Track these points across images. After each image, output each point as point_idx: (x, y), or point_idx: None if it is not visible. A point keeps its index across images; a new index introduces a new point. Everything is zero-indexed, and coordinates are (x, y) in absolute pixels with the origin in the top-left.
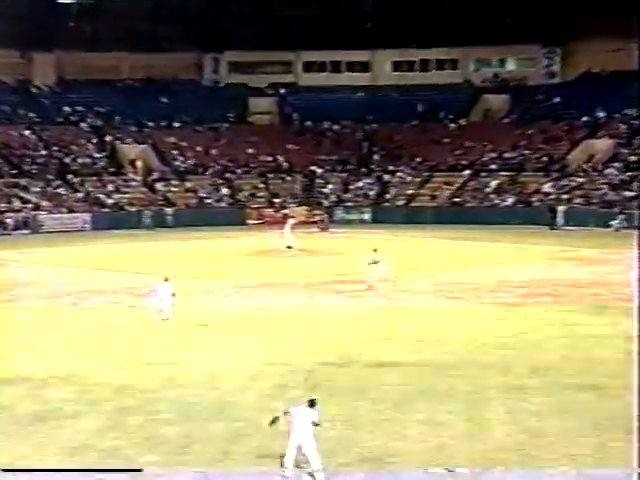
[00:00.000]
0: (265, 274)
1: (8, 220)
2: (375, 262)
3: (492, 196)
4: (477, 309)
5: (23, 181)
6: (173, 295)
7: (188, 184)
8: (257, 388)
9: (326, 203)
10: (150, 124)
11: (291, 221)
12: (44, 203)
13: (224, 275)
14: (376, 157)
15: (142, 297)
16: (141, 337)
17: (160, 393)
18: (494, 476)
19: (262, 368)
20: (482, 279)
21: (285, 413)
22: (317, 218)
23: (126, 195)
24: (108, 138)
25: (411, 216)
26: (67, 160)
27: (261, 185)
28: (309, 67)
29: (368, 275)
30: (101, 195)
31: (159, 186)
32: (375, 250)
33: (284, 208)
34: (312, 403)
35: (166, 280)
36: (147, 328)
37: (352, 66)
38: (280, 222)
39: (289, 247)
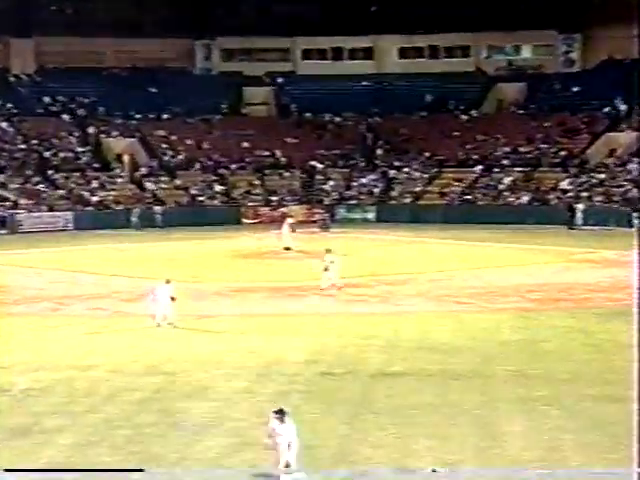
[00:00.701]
0: (260, 277)
1: None
2: (328, 265)
3: (506, 194)
4: (489, 315)
5: (0, 177)
6: (173, 299)
7: (178, 181)
8: (252, 400)
9: (327, 201)
10: (137, 116)
11: (289, 220)
12: (23, 201)
13: (215, 279)
14: (381, 151)
15: (129, 302)
16: (127, 345)
17: (148, 404)
18: (483, 473)
19: (256, 379)
20: (494, 283)
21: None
22: (317, 217)
23: (111, 192)
24: (92, 131)
25: (418, 215)
26: (47, 155)
27: (257, 182)
28: (308, 54)
29: (323, 278)
30: (84, 192)
31: (147, 183)
32: (329, 251)
33: (282, 206)
34: (281, 414)
35: (168, 282)
36: (134, 335)
37: (355, 53)
38: (277, 221)
39: (287, 249)
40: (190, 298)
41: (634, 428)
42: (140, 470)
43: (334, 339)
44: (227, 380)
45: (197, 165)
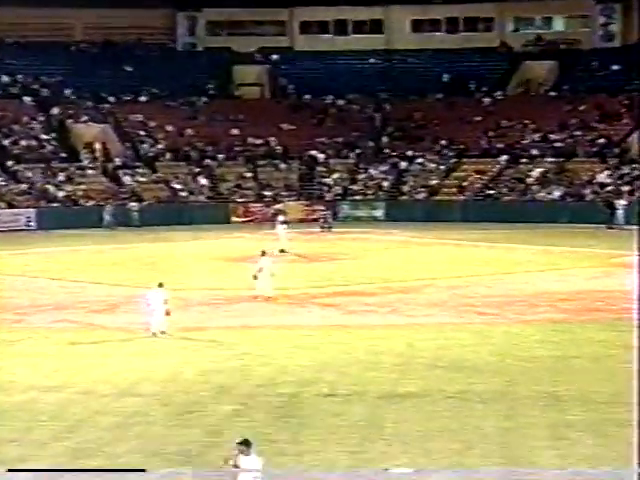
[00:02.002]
0: (252, 284)
1: None
2: (260, 270)
3: (534, 188)
4: (515, 328)
5: None
6: (166, 304)
7: (158, 173)
8: (242, 426)
9: (329, 197)
10: (110, 98)
11: (280, 218)
12: None
13: (200, 286)
14: (391, 139)
15: (101, 313)
16: (99, 363)
17: (123, 431)
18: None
19: (246, 401)
20: (521, 291)
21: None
22: (318, 215)
23: (81, 187)
24: (58, 115)
25: (434, 213)
26: (6, 143)
27: (248, 174)
28: (307, 28)
29: (258, 282)
30: (50, 186)
31: (122, 175)
32: (263, 253)
33: (277, 203)
34: (246, 445)
35: (160, 286)
36: (107, 351)
37: (361, 26)
38: (271, 220)
39: (282, 251)
40: (172, 308)
41: (634, 428)
42: (141, 470)
43: (337, 355)
44: (214, 403)
45: (179, 155)
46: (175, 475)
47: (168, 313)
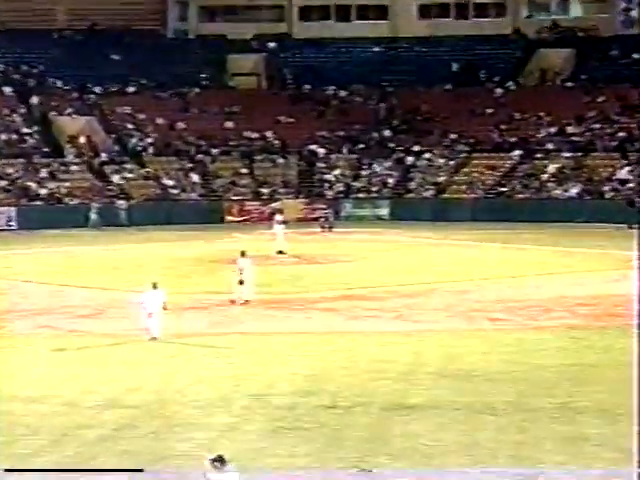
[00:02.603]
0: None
1: None
2: (241, 271)
3: (550, 185)
4: (529, 335)
5: None
6: (164, 307)
7: (147, 169)
8: (236, 440)
9: (330, 194)
10: (96, 89)
11: (278, 218)
12: None
13: (192, 289)
14: (396, 133)
15: (86, 318)
16: (84, 372)
17: (109, 445)
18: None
19: (241, 413)
20: (536, 295)
21: None
22: (318, 214)
23: (65, 184)
24: (40, 107)
25: (442, 211)
26: None
27: (244, 170)
28: (307, 13)
29: (236, 286)
30: (31, 183)
31: (109, 172)
32: (243, 254)
33: (274, 201)
34: (220, 462)
35: (155, 287)
36: (92, 360)
37: (365, 12)
38: (267, 219)
39: (280, 252)
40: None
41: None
42: (139, 470)
43: (339, 364)
44: (206, 415)
45: (170, 150)
46: (174, 475)
47: (165, 307)
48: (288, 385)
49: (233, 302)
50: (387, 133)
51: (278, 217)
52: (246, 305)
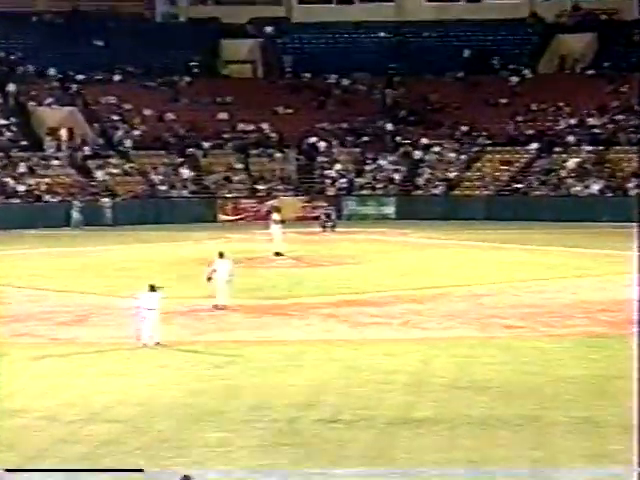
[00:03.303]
0: (242, 292)
1: None
2: (213, 272)
3: (570, 181)
4: (547, 343)
5: None
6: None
7: (134, 164)
8: (229, 457)
9: (331, 191)
10: (79, 77)
11: (275, 217)
12: None
13: (182, 294)
14: (403, 125)
15: (68, 325)
16: (66, 383)
17: (92, 462)
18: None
19: (236, 428)
20: (554, 300)
21: None
22: (319, 213)
23: (45, 180)
24: (17, 96)
25: (453, 210)
26: None
27: (239, 165)
28: None
29: (214, 290)
30: (8, 179)
31: (92, 167)
32: (221, 255)
33: (271, 198)
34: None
35: (152, 289)
36: (75, 369)
37: None
38: (266, 218)
39: (278, 254)
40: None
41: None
42: (139, 470)
43: (340, 375)
44: (198, 430)
45: (159, 143)
46: (174, 475)
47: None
48: (286, 397)
49: (216, 307)
50: (393, 125)
51: (275, 216)
52: (224, 310)
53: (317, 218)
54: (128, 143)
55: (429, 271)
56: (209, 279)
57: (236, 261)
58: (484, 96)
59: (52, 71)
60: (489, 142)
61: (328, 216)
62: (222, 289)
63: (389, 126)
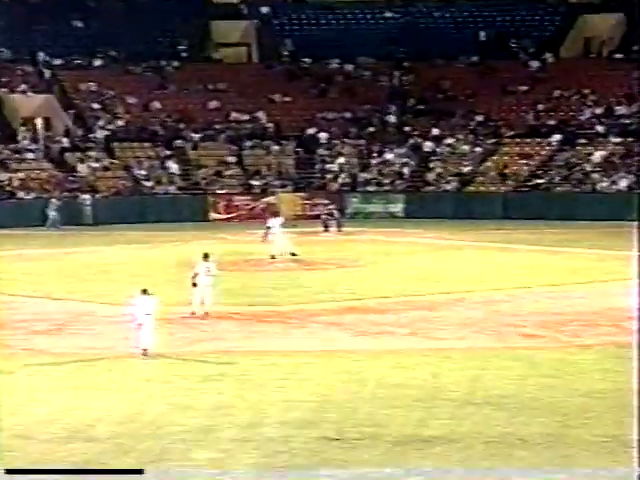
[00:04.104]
0: (235, 297)
1: None
2: (196, 275)
3: (596, 176)
4: (570, 354)
5: None
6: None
7: (117, 157)
8: (223, 478)
9: (334, 186)
10: (56, 62)
11: (278, 220)
12: None
13: (170, 300)
14: (412, 114)
15: (44, 334)
16: (41, 398)
17: None
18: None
19: (228, 447)
20: (578, 307)
21: None
22: (320, 211)
23: (18, 174)
24: None
25: (467, 207)
26: None
27: (232, 159)
28: None
29: (194, 295)
30: None
31: (71, 160)
32: (206, 257)
33: (267, 195)
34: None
35: (145, 293)
36: (52, 382)
37: None
38: (261, 217)
39: (273, 257)
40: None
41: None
42: (140, 471)
43: (343, 389)
44: (185, 450)
45: (144, 135)
46: (174, 475)
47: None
48: (283, 414)
49: (193, 314)
50: (401, 115)
51: (278, 219)
52: (206, 318)
53: (318, 217)
54: (110, 134)
55: (441, 275)
56: (194, 285)
57: (230, 264)
58: (501, 83)
59: (26, 55)
60: (507, 133)
61: (331, 215)
62: (207, 294)
63: (396, 116)
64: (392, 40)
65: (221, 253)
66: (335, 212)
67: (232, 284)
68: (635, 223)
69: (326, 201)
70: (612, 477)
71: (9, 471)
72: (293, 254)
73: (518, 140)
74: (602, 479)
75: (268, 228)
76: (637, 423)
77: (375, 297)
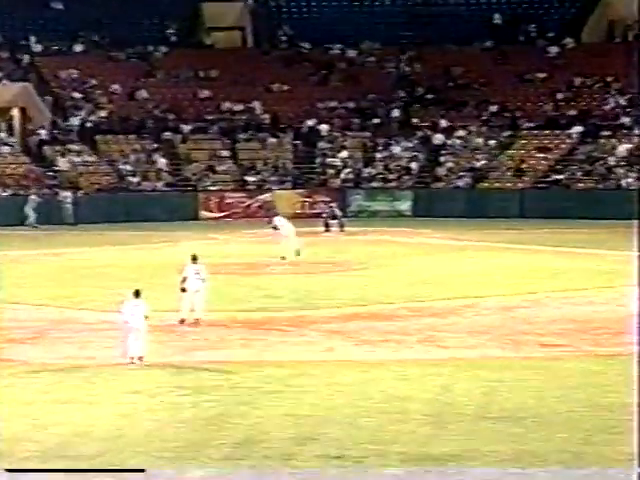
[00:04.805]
0: (229, 303)
1: None
2: (184, 280)
3: (620, 171)
4: (593, 364)
5: None
6: (147, 319)
7: (100, 151)
8: None
9: (336, 183)
10: (35, 47)
11: (283, 224)
12: None
13: (158, 306)
14: (421, 104)
15: (19, 343)
16: (16, 412)
17: None
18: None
19: (221, 464)
20: (602, 314)
21: None
22: (321, 209)
23: None
24: None
25: (479, 206)
26: None
27: (225, 152)
28: None
29: (182, 301)
30: None
31: (50, 154)
32: (194, 259)
33: (263, 192)
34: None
35: (137, 295)
36: (27, 395)
37: None
38: (257, 215)
39: (284, 258)
40: (118, 335)
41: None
42: (141, 470)
43: (347, 402)
44: (174, 467)
45: (129, 126)
46: (175, 475)
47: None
48: (280, 429)
49: (182, 322)
50: (409, 105)
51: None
52: (196, 326)
53: (319, 215)
54: (92, 126)
55: (452, 279)
56: (183, 290)
57: (223, 267)
58: (517, 70)
59: (1, 40)
60: (523, 125)
61: (332, 215)
62: (197, 300)
63: (403, 106)
64: (399, 24)
65: (213, 255)
66: (337, 211)
67: (225, 289)
68: None
69: (327, 199)
70: (612, 477)
71: (9, 470)
72: (297, 253)
73: (536, 132)
74: (602, 479)
75: (275, 228)
76: (637, 423)
77: (380, 303)
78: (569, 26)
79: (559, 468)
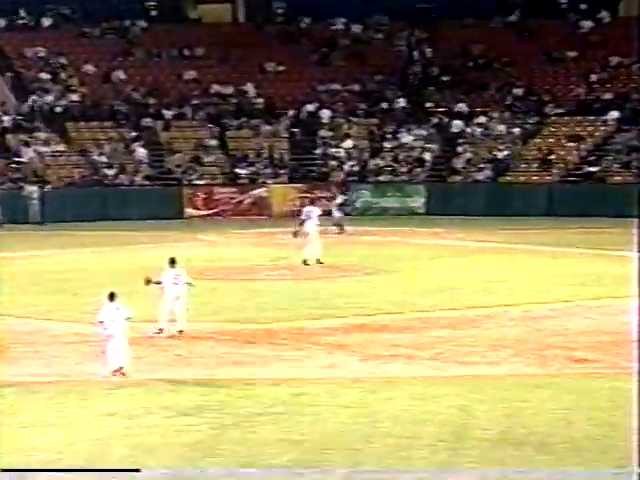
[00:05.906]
0: (224, 311)
1: None
2: (158, 283)
3: None
4: (627, 382)
5: None
6: (129, 320)
7: (71, 140)
8: None
9: (340, 176)
10: None
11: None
12: None
13: (139, 315)
14: (436, 87)
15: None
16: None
17: None
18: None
19: None
20: (635, 325)
21: None
22: (321, 207)
23: None
24: None
25: (502, 202)
26: None
27: (212, 141)
28: None
29: (160, 310)
30: None
31: (14, 143)
32: (173, 263)
33: (256, 186)
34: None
35: (112, 299)
36: None
37: None
38: (245, 213)
39: (306, 263)
40: (92, 349)
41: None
42: (136, 470)
43: (351, 426)
44: None
45: (104, 112)
46: (173, 475)
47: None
48: (276, 455)
49: (160, 331)
50: (421, 87)
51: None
52: (180, 337)
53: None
54: (62, 111)
55: (470, 285)
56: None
57: (211, 271)
58: (545, 48)
59: None
60: (552, 111)
61: (335, 211)
62: (177, 308)
63: (415, 89)
64: None
65: (199, 258)
66: (336, 211)
67: (212, 297)
68: None
69: (329, 194)
70: (612, 477)
71: (5, 470)
72: (319, 261)
73: (566, 118)
74: (602, 479)
75: (302, 222)
76: (637, 423)
77: (389, 312)
78: (603, 0)
79: (559, 469)
